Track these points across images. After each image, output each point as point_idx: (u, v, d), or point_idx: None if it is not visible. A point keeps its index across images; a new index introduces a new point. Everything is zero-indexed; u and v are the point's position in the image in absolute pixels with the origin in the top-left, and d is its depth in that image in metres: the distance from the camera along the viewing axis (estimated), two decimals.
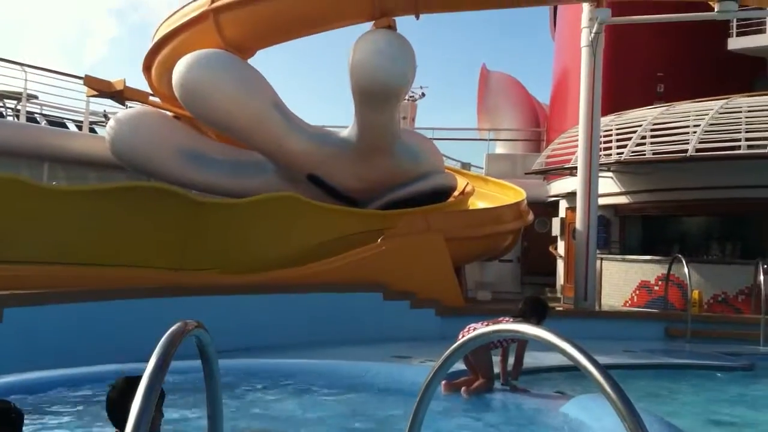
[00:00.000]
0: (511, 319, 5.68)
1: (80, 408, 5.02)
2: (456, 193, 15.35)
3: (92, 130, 17.15)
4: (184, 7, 13.47)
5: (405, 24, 12.85)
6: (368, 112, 12.33)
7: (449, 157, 21.40)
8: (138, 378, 3.47)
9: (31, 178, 11.55)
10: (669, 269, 13.50)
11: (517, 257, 19.87)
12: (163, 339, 2.64)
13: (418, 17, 12.80)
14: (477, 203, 16.48)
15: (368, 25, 12.43)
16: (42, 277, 8.62)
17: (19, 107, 16.05)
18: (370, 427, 4.73)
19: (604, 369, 2.27)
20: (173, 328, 2.72)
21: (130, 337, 8.03)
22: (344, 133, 13.46)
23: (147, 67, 14.32)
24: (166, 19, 13.87)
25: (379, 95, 11.84)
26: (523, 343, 6.14)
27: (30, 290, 7.96)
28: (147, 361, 5.04)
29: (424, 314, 11.50)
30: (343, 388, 5.47)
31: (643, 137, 15.09)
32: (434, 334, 11.08)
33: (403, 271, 11.58)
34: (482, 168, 22.52)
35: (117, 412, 3.41)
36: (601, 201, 14.64)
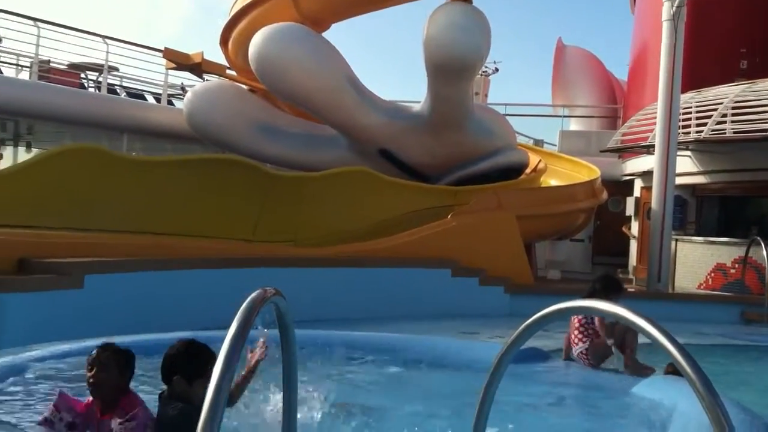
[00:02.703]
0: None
1: (152, 374, 5.16)
2: (528, 171, 15.17)
3: (170, 103, 17.51)
4: None
5: None
6: (441, 86, 12.26)
7: (522, 134, 21.12)
8: (194, 343, 3.60)
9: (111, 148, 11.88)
10: (747, 252, 13.11)
11: (589, 237, 19.57)
12: (243, 305, 2.69)
13: None
14: (549, 181, 16.27)
15: None
16: (120, 245, 8.87)
17: (100, 79, 16.48)
18: (439, 401, 4.76)
19: (681, 346, 2.23)
20: (253, 294, 2.77)
21: (203, 306, 8.25)
22: (417, 108, 13.43)
23: (224, 41, 14.52)
24: None
25: (453, 69, 11.76)
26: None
27: (109, 258, 8.21)
28: (220, 328, 5.17)
29: (492, 291, 11.46)
30: (413, 362, 5.51)
31: (724, 115, 14.60)
32: (503, 311, 11.04)
33: (473, 248, 11.55)
34: (555, 145, 22.16)
35: (168, 370, 3.50)
36: (678, 180, 14.28)
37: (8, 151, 16.04)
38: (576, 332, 6.31)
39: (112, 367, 3.41)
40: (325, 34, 13.59)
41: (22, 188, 9.00)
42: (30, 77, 15.33)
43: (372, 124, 13.15)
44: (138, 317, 7.55)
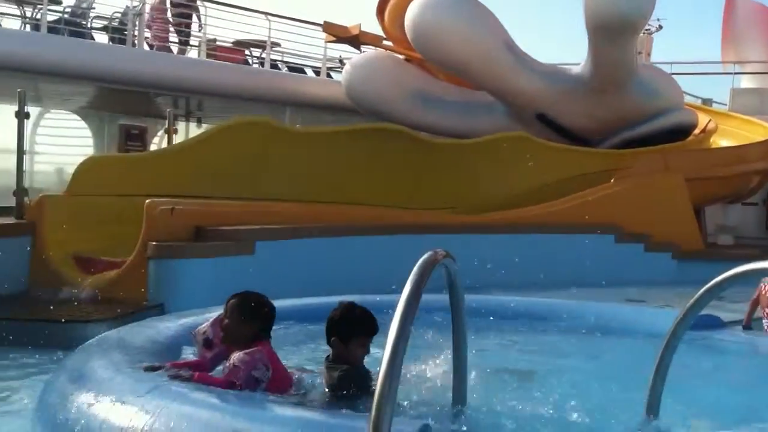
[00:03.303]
0: None
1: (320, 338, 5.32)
2: (696, 131, 14.41)
3: (329, 76, 17.91)
4: None
5: None
6: (603, 47, 11.85)
7: (689, 93, 20.02)
8: (350, 305, 3.68)
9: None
10: None
11: (763, 200, 18.35)
12: (416, 267, 2.71)
13: None
14: (720, 141, 15.38)
15: None
16: (286, 213, 9.21)
17: (263, 55, 17.08)
18: (608, 369, 4.65)
19: None
20: (425, 256, 2.80)
21: (367, 271, 8.46)
22: (576, 69, 13.06)
23: (380, 11, 14.66)
24: None
25: (616, 29, 11.34)
26: None
27: (278, 225, 8.56)
28: (382, 293, 5.26)
29: (659, 258, 11.05)
30: (579, 328, 5.41)
31: None
32: (670, 278, 10.60)
33: (638, 213, 11.16)
34: (726, 104, 20.87)
35: (328, 332, 3.60)
36: None
37: (180, 126, 16.98)
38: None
39: (235, 315, 3.52)
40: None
41: (196, 161, 9.54)
42: (198, 55, 16.13)
43: (530, 88, 12.93)
44: (305, 282, 7.82)
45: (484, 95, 14.01)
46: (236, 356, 3.42)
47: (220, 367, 3.64)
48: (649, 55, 25.27)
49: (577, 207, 11.05)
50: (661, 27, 26.60)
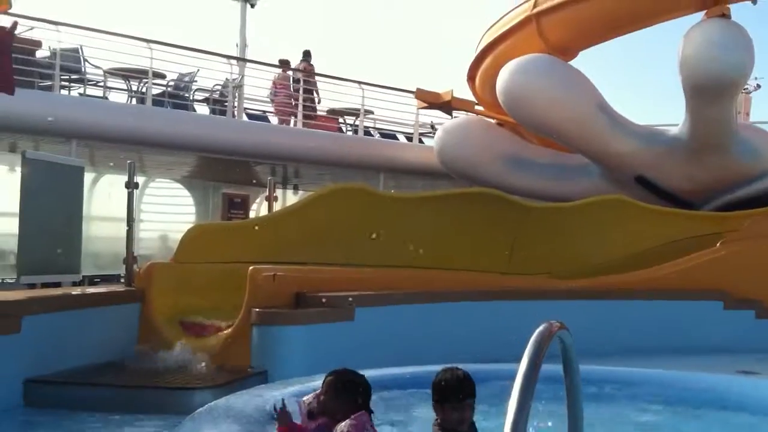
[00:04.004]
0: None
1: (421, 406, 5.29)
2: None
3: (420, 141, 18.14)
4: (506, 15, 13.77)
5: (740, 11, 11.93)
6: (701, 107, 11.62)
7: None
8: (451, 369, 3.66)
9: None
10: None
11: None
12: (531, 340, 2.67)
13: (755, 2, 11.83)
14: None
15: (698, 16, 11.77)
16: (383, 278, 9.23)
17: (356, 123, 17.47)
18: None
19: None
20: (540, 329, 2.75)
21: (468, 337, 8.39)
22: (674, 131, 12.82)
23: (471, 77, 14.83)
24: (489, 29, 14.25)
25: (714, 89, 11.14)
26: None
27: (375, 291, 8.60)
28: (483, 361, 5.19)
29: None
30: (691, 400, 5.20)
31: None
32: None
33: (748, 278, 10.70)
34: None
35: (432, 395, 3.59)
36: None
37: (278, 194, 17.47)
38: None
39: (330, 391, 3.67)
40: (573, 62, 13.44)
41: (295, 227, 9.73)
42: (295, 125, 16.64)
43: (627, 150, 12.75)
44: (405, 348, 7.82)
45: (579, 158, 13.88)
46: (343, 425, 3.49)
47: None
48: (748, 114, 24.65)
49: (680, 272, 10.71)
50: (759, 86, 26.00)
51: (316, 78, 17.20)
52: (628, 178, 13.12)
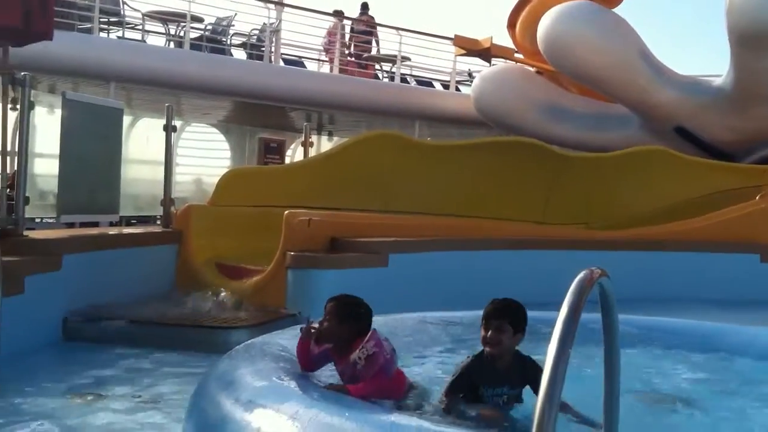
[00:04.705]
0: None
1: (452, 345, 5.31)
2: None
3: (457, 89, 17.96)
4: None
5: None
6: (748, 57, 11.34)
7: None
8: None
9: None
10: None
11: None
12: (572, 286, 2.64)
13: None
14: None
15: None
16: (417, 226, 9.24)
17: (393, 69, 17.32)
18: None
19: None
20: (581, 275, 2.71)
21: (500, 285, 8.31)
22: (718, 81, 12.55)
23: (511, 24, 14.59)
24: None
25: (761, 37, 10.83)
26: None
27: (410, 238, 8.61)
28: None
29: None
30: (731, 352, 5.15)
31: None
32: None
33: None
34: None
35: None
36: None
37: (314, 140, 17.46)
38: None
39: (332, 317, 3.65)
40: (617, 9, 13.15)
41: (330, 173, 9.74)
42: (331, 71, 16.54)
43: (668, 100, 12.53)
44: (437, 295, 7.82)
45: (617, 108, 13.67)
46: (362, 351, 3.52)
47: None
48: None
49: (718, 225, 10.54)
50: None
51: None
52: (668, 128, 12.91)
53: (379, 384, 3.51)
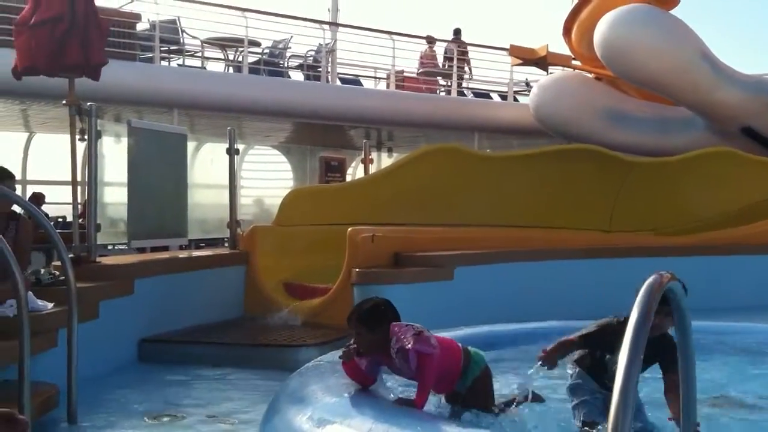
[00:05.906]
0: None
1: (515, 362, 5.24)
2: None
3: (515, 99, 17.86)
4: None
5: None
6: None
7: None
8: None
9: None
10: None
11: None
12: (641, 291, 2.60)
13: None
14: None
15: None
16: (481, 238, 9.18)
17: (449, 83, 17.33)
18: None
19: None
20: (650, 280, 2.67)
21: (569, 295, 8.27)
22: None
23: (567, 30, 14.47)
24: None
25: None
26: None
27: (475, 250, 8.57)
28: (581, 319, 5.12)
29: None
30: None
31: None
32: None
33: None
34: None
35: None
36: None
37: (374, 156, 17.56)
38: None
39: (362, 329, 3.70)
40: (674, 11, 12.93)
41: (392, 189, 9.77)
42: (387, 87, 16.63)
43: (733, 100, 12.26)
44: (504, 307, 7.75)
45: (680, 111, 13.41)
46: (394, 353, 3.59)
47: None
48: None
49: None
50: None
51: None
52: (734, 129, 12.61)
53: (429, 365, 3.56)
